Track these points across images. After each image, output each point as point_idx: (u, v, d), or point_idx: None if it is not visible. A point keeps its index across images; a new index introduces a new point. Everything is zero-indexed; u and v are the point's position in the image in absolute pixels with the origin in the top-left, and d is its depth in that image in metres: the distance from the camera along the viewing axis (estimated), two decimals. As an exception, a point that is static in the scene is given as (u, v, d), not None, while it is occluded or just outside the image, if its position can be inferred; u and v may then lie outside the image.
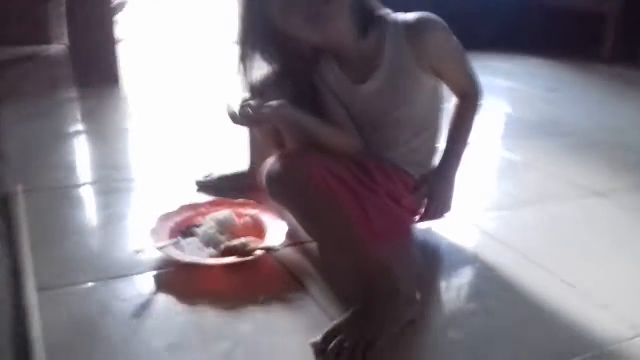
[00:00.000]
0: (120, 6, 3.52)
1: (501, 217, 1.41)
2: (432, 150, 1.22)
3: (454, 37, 1.14)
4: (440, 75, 1.15)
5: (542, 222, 1.40)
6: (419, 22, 1.10)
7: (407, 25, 1.10)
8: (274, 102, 1.04)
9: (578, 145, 2.05)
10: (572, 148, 2.02)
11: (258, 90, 1.13)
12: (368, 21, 1.12)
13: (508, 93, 3.02)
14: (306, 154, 1.06)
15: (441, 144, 1.23)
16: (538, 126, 2.33)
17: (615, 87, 3.27)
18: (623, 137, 2.18)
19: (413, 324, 0.93)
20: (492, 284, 1.10)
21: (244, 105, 1.05)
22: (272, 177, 1.04)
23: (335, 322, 0.89)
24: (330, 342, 0.84)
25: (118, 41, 2.73)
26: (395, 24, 1.11)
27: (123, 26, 2.80)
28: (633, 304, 1.04)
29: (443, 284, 1.12)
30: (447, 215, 1.24)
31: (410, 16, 1.11)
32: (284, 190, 1.05)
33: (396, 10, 1.16)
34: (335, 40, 1.11)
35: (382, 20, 1.12)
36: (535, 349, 0.90)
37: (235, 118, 1.06)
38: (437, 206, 1.20)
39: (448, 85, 1.20)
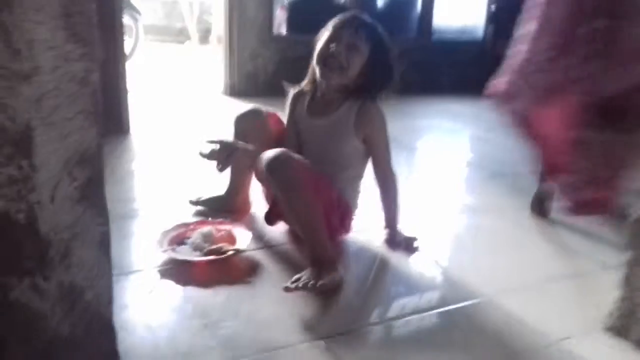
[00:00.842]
0: (127, 56, 3.58)
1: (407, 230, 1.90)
2: (356, 188, 1.72)
3: (386, 128, 1.66)
4: (369, 144, 1.65)
5: (437, 228, 1.91)
6: (370, 104, 1.63)
7: (362, 102, 1.63)
8: (231, 149, 1.60)
9: (491, 176, 2.58)
10: (485, 178, 2.55)
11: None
12: (355, 90, 1.63)
13: (451, 134, 3.56)
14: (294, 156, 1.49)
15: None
16: (468, 162, 2.85)
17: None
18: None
19: (340, 285, 1.44)
20: (387, 265, 1.60)
21: (212, 151, 1.59)
22: (274, 167, 1.42)
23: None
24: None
25: (128, 93, 2.97)
26: (359, 98, 1.63)
27: (130, 76, 3.03)
28: (484, 279, 1.54)
29: (354, 266, 1.61)
30: (416, 246, 1.73)
31: (369, 100, 1.63)
32: (282, 179, 1.43)
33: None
34: (343, 82, 1.61)
35: (357, 93, 1.63)
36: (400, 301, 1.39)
37: (206, 158, 1.62)
38: (406, 247, 1.72)
39: (373, 159, 1.68)
